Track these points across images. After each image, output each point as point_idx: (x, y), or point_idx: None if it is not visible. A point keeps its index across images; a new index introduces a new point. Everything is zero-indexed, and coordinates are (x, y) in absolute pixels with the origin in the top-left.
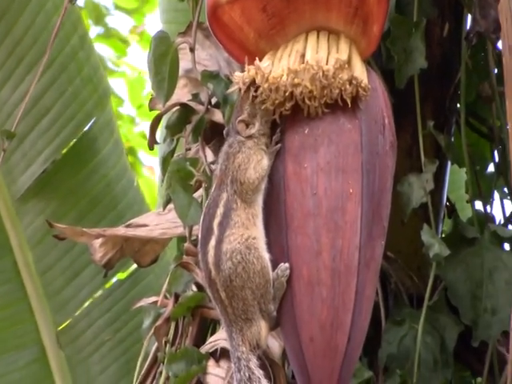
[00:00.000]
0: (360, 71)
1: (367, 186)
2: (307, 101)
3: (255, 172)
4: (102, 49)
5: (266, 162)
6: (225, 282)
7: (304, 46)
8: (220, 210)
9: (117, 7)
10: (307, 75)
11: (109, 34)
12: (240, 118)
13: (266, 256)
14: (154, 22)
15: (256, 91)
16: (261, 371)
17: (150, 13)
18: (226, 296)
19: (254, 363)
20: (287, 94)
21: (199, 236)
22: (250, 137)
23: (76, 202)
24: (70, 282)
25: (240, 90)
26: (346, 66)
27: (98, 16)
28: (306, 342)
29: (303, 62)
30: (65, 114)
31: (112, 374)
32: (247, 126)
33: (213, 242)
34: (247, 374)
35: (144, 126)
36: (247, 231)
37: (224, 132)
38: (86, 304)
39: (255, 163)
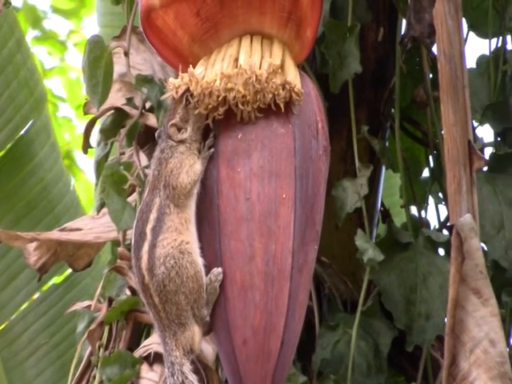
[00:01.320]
0: (293, 76)
1: (300, 191)
2: (240, 105)
3: (187, 177)
4: (40, 51)
5: (198, 167)
6: (158, 286)
7: (237, 50)
8: (153, 215)
9: (54, 10)
10: (240, 80)
11: (46, 37)
12: (172, 122)
13: (200, 261)
14: (91, 26)
15: (189, 97)
16: (194, 376)
17: (88, 16)
18: (159, 301)
19: (187, 368)
20: (220, 98)
21: (132, 241)
22: (181, 141)
23: (12, 206)
24: (5, 285)
25: (173, 96)
26: (279, 70)
27: (35, 19)
28: (239, 346)
29: (236, 67)
30: (1, 118)
31: (48, 378)
32: (179, 130)
33: (146, 247)
34: (181, 379)
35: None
36: (180, 236)
37: (156, 134)
38: (22, 308)
39: (187, 168)
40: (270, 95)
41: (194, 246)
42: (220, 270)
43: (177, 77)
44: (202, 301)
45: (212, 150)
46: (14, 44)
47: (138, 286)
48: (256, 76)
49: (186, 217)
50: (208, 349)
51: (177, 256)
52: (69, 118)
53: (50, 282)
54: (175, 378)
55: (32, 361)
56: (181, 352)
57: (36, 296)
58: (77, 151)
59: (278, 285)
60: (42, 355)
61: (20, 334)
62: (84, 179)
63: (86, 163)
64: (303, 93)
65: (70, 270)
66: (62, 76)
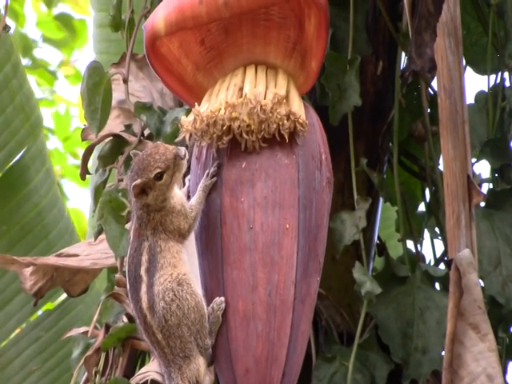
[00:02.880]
0: (298, 106)
1: (304, 222)
2: (245, 135)
3: (185, 222)
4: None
5: (180, 203)
6: (160, 322)
7: (242, 79)
8: (145, 257)
9: (45, 40)
10: (245, 109)
11: (36, 66)
12: (135, 183)
13: (199, 291)
14: (82, 56)
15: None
16: None
17: (79, 47)
18: (162, 337)
19: None
20: (225, 127)
21: (128, 286)
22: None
23: (7, 230)
24: None
25: (190, 135)
26: (284, 100)
27: (26, 47)
28: (241, 375)
29: (241, 96)
30: None
31: None
32: (144, 191)
33: (144, 288)
34: None
35: (71, 160)
36: (176, 269)
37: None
38: (15, 333)
39: (176, 214)
40: (275, 125)
41: (192, 276)
42: (222, 299)
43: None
44: (204, 331)
45: (214, 178)
46: (10, 69)
47: (140, 327)
48: (261, 106)
49: (177, 249)
50: (205, 379)
51: (175, 289)
52: (57, 149)
53: (44, 308)
54: None
55: None
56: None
57: (29, 322)
58: (64, 180)
59: (280, 315)
60: (34, 381)
61: (12, 359)
62: (73, 208)
63: (73, 192)
64: (307, 124)
65: (63, 296)
66: (50, 108)
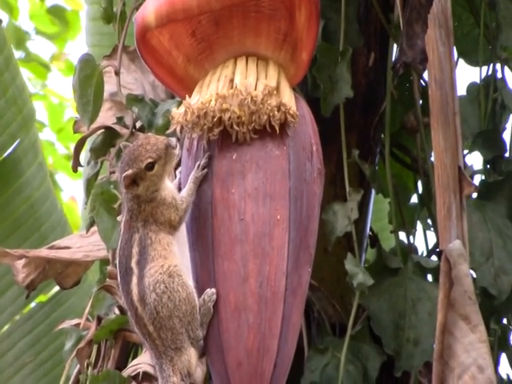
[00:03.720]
0: (288, 98)
1: (295, 213)
2: (235, 126)
3: (176, 214)
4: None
5: (171, 196)
6: (151, 314)
7: (233, 71)
8: (135, 250)
9: (38, 32)
10: (236, 100)
11: (29, 59)
12: (126, 173)
13: (191, 282)
14: (75, 49)
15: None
16: None
17: (72, 39)
18: (154, 329)
19: None
20: (215, 119)
21: (118, 279)
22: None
23: None
24: None
25: (182, 127)
26: (275, 92)
27: (19, 40)
28: (233, 367)
29: (232, 88)
30: None
31: None
32: (135, 182)
33: (135, 280)
34: None
35: (64, 151)
36: (166, 261)
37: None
38: (8, 326)
39: (166, 206)
40: (265, 117)
41: (183, 268)
42: (213, 290)
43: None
44: (196, 322)
45: (205, 170)
46: (2, 61)
47: (131, 320)
48: (251, 97)
49: (167, 241)
50: (197, 370)
51: (166, 280)
52: (51, 142)
53: (36, 301)
54: None
55: (17, 379)
56: (178, 377)
57: (22, 314)
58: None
59: (271, 307)
60: (27, 373)
61: (5, 352)
62: (67, 202)
63: (66, 184)
64: (298, 115)
65: (56, 289)
66: (43, 101)
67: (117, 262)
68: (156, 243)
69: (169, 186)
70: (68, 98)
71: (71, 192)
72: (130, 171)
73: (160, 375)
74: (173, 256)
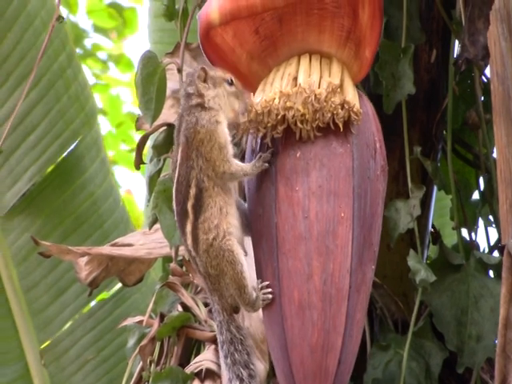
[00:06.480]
0: (352, 95)
1: (358, 211)
2: (299, 124)
3: (220, 153)
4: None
5: (225, 139)
6: (202, 266)
7: (296, 69)
8: (192, 191)
9: (96, 29)
10: (299, 98)
11: (87, 56)
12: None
13: (242, 258)
14: (133, 45)
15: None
16: (243, 332)
17: (130, 35)
18: (205, 273)
19: (234, 327)
20: (279, 117)
21: (175, 212)
22: (203, 108)
23: (61, 220)
24: (54, 300)
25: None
26: (339, 90)
27: (77, 37)
28: (297, 364)
29: (295, 85)
30: (51, 132)
31: None
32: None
33: (189, 227)
34: (229, 337)
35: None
36: (222, 223)
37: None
38: (70, 322)
39: (218, 143)
40: (329, 114)
41: (236, 240)
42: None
43: None
44: (245, 294)
45: (267, 165)
46: (65, 58)
47: (186, 253)
48: (315, 95)
49: (225, 199)
50: (260, 367)
51: (217, 251)
52: (112, 134)
53: (99, 298)
54: (224, 336)
55: (79, 376)
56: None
57: (84, 311)
58: (116, 167)
59: (335, 304)
60: (89, 370)
61: (67, 348)
62: (125, 196)
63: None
64: (362, 113)
65: (118, 285)
66: (102, 94)
67: (173, 191)
68: (210, 190)
69: (225, 131)
70: (127, 83)
71: (127, 185)
72: (209, 70)
73: (213, 308)
74: (226, 221)
